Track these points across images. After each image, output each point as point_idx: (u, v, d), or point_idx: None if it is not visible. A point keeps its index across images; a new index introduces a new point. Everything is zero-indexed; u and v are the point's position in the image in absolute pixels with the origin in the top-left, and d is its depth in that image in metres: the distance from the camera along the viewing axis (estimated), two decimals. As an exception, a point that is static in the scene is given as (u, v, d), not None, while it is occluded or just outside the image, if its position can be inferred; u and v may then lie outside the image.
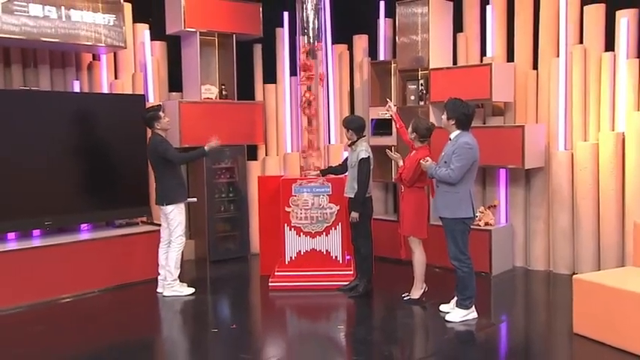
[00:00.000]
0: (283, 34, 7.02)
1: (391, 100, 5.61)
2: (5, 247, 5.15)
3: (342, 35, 7.11)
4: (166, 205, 5.24)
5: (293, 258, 5.56)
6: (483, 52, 6.27)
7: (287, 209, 5.54)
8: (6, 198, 5.20)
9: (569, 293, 4.36)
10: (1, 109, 5.17)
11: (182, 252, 5.38)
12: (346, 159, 5.41)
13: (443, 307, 4.75)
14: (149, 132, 5.49)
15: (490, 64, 5.70)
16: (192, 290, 5.39)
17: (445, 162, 4.45)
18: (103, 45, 5.63)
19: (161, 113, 5.27)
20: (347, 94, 7.18)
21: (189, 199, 5.48)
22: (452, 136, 4.48)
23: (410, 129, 4.88)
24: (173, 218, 5.25)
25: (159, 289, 5.42)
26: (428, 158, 4.57)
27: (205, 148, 5.27)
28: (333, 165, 5.84)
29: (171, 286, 5.34)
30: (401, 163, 4.96)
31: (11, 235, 5.45)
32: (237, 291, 5.65)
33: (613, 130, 5.50)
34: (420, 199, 4.89)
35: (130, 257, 5.69)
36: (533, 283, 5.71)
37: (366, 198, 5.13)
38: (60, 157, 5.51)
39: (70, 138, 5.58)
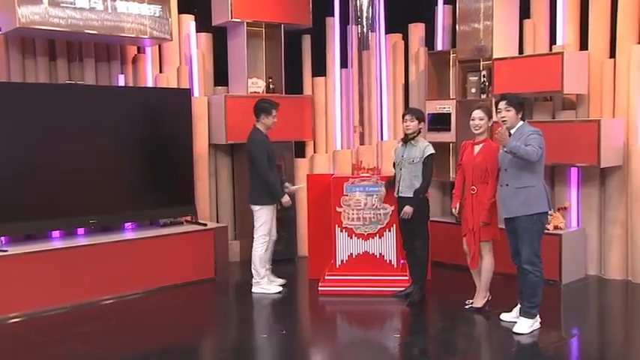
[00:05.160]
0: (334, 23, 6.72)
1: None
2: (50, 245, 5.05)
3: (397, 24, 6.73)
4: (253, 205, 5.22)
5: (344, 261, 5.31)
6: (553, 41, 5.79)
7: (338, 209, 5.28)
8: (51, 196, 5.11)
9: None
10: (47, 104, 5.08)
11: (264, 250, 5.27)
12: None
13: (504, 317, 4.45)
14: (200, 128, 5.33)
15: (561, 53, 5.28)
16: (279, 289, 5.34)
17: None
18: (148, 37, 5.50)
19: (274, 111, 5.21)
20: (401, 87, 6.81)
21: (284, 198, 5.22)
22: (513, 130, 4.20)
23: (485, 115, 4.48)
24: (258, 217, 5.22)
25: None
26: (504, 128, 4.10)
27: (286, 190, 5.27)
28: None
29: (259, 284, 5.32)
30: None
31: (56, 234, 5.37)
32: (285, 295, 5.41)
33: (703, 125, 4.96)
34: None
35: (174, 258, 5.50)
36: (608, 293, 5.26)
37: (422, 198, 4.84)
38: (104, 154, 5.39)
39: (115, 134, 5.44)
